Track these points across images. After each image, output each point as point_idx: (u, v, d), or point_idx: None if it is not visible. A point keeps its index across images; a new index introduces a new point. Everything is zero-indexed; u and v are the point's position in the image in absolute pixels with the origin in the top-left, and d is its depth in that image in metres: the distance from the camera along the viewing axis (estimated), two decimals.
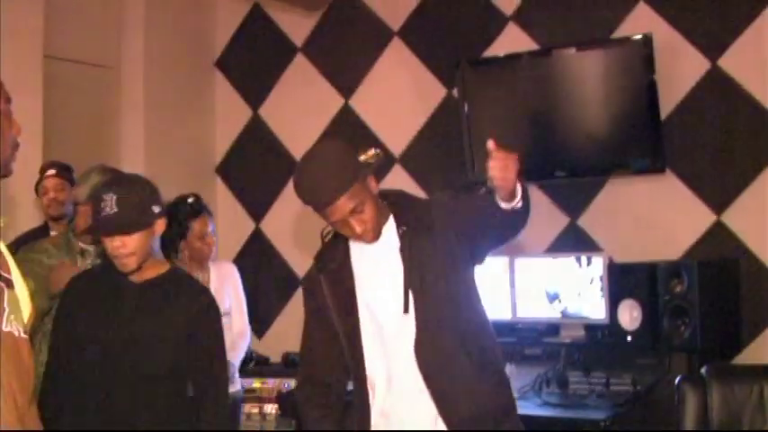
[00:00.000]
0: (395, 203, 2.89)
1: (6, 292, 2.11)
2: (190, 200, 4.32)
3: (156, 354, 2.93)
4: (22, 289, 2.19)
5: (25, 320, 2.14)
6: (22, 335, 2.11)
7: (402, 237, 2.80)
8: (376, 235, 2.79)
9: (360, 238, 2.77)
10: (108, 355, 2.92)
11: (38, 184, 4.66)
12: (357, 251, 2.88)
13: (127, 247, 2.88)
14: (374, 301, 2.84)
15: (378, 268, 2.85)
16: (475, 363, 2.77)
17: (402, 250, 2.78)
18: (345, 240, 2.90)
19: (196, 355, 2.99)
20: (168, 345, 2.94)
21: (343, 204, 2.70)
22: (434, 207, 2.88)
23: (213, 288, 4.27)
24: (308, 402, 2.98)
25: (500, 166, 2.60)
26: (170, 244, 4.21)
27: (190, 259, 4.33)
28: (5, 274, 2.14)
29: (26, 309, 2.17)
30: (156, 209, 2.97)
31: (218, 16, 6.31)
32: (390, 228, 2.84)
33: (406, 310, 2.77)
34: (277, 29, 6.08)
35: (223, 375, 3.09)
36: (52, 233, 4.46)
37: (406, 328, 2.79)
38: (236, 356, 4.40)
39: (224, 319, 4.34)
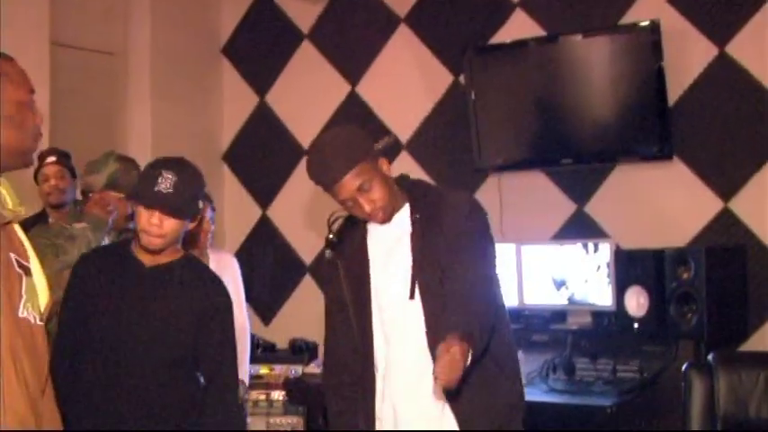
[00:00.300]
0: (412, 190, 2.89)
1: (24, 279, 2.14)
2: None
3: (166, 337, 2.93)
4: (39, 276, 2.21)
5: (42, 308, 2.17)
6: (38, 322, 2.14)
7: (414, 223, 2.81)
8: (386, 215, 2.81)
9: (370, 216, 2.79)
10: (119, 331, 2.91)
11: (37, 171, 4.52)
12: (373, 235, 2.90)
13: (162, 228, 2.89)
14: (380, 284, 2.86)
15: (390, 252, 2.87)
16: (487, 354, 2.77)
17: (413, 236, 2.79)
18: (363, 225, 2.91)
19: (206, 343, 2.98)
20: (179, 330, 2.93)
21: (350, 181, 2.73)
22: (451, 206, 2.86)
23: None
24: (336, 393, 2.98)
25: (445, 369, 2.39)
26: None
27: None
28: (24, 262, 2.16)
29: (43, 296, 2.19)
30: (200, 204, 3.01)
31: (224, 3, 6.29)
32: (405, 213, 2.85)
33: (411, 296, 2.78)
34: (284, 16, 6.07)
35: (233, 366, 3.09)
36: (50, 221, 4.29)
37: (410, 313, 2.80)
38: (242, 351, 4.33)
39: None
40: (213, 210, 4.52)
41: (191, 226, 3.02)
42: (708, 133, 4.73)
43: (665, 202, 4.82)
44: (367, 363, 2.88)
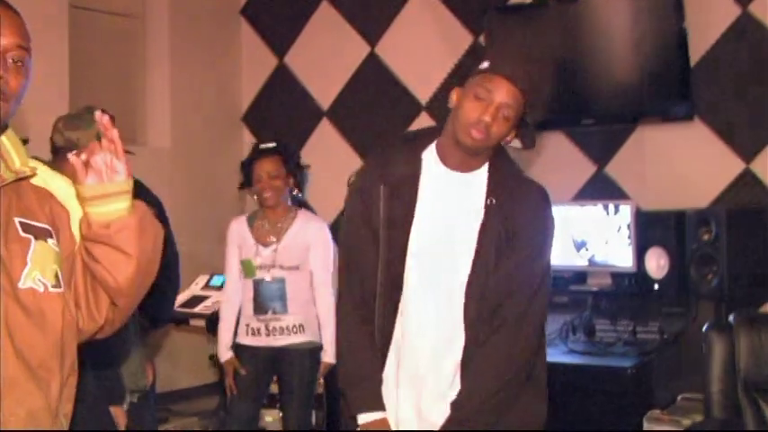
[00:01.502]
0: (494, 158, 2.78)
1: (34, 244, 1.98)
2: (256, 144, 4.46)
3: None
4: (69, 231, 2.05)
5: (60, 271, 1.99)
6: (50, 290, 1.98)
7: (488, 209, 2.71)
8: (480, 151, 2.69)
9: (473, 140, 2.63)
10: None
11: None
12: (429, 174, 2.75)
13: None
14: (425, 242, 2.75)
15: (446, 210, 2.71)
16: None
17: (483, 224, 2.69)
18: (417, 155, 2.77)
19: None
20: None
21: (512, 92, 2.63)
22: (527, 200, 2.77)
23: (284, 243, 4.27)
24: (362, 329, 2.81)
25: None
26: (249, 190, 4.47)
27: (259, 205, 4.39)
28: (37, 223, 2.01)
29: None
30: None
31: None
32: (481, 180, 2.74)
33: (469, 284, 2.71)
34: None
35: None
36: None
37: (450, 291, 2.74)
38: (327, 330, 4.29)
39: (289, 274, 4.33)
40: None
41: None
42: (729, 94, 4.69)
43: (685, 163, 4.80)
44: (390, 303, 2.76)
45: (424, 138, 2.82)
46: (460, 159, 2.71)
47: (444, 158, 2.74)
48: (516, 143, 2.78)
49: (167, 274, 4.67)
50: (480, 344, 2.68)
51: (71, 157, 1.95)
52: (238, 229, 4.39)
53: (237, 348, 4.36)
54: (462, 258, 2.69)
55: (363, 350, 2.79)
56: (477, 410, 2.66)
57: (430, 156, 2.77)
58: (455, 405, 2.69)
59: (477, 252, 2.68)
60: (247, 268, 4.30)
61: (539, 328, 2.76)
